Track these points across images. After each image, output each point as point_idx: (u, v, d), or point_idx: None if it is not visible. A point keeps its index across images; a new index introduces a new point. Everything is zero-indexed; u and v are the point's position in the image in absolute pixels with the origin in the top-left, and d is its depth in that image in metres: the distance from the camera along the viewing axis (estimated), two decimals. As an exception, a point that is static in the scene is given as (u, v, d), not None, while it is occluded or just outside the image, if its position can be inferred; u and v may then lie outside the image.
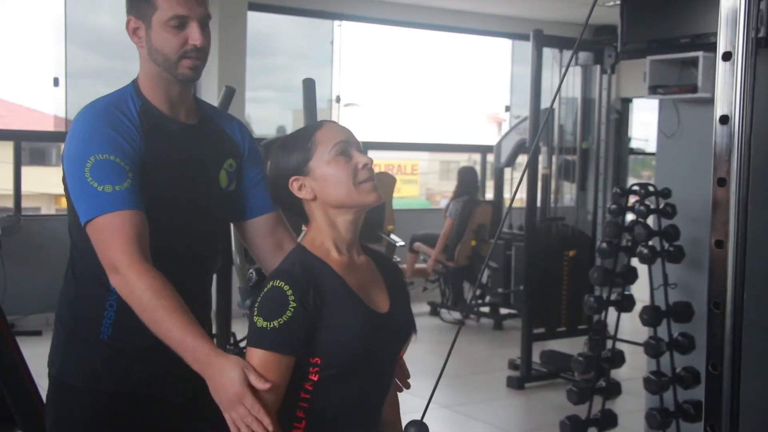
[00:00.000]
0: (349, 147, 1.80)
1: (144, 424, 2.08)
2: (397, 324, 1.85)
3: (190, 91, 2.10)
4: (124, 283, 1.84)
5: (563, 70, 6.55)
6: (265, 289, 1.73)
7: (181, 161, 2.03)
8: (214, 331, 5.83)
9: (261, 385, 1.66)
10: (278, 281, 1.71)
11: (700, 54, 3.84)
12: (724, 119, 1.67)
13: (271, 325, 1.68)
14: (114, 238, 1.86)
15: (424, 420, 1.82)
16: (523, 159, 8.43)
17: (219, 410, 1.96)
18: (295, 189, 1.81)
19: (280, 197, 1.86)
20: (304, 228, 1.89)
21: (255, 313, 1.70)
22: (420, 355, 6.64)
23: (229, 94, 3.42)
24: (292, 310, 1.68)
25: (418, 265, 8.46)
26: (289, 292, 1.69)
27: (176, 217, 2.03)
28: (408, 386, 2.05)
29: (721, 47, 1.66)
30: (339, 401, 1.76)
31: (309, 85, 2.99)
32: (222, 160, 2.12)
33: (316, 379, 1.74)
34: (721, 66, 1.66)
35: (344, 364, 1.74)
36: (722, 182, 1.67)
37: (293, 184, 1.80)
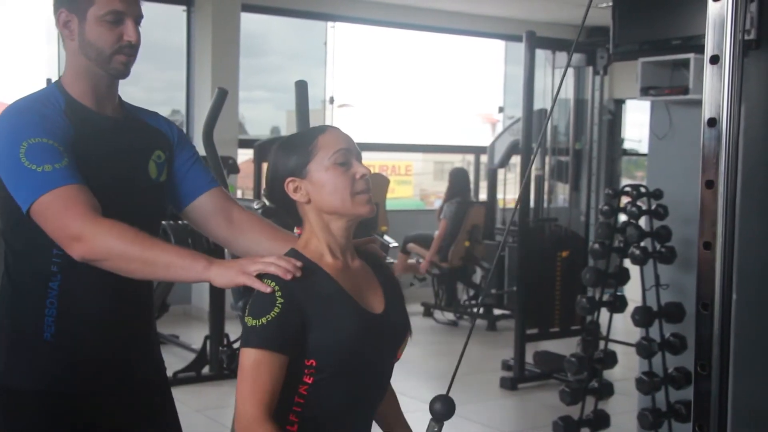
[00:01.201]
0: (349, 155, 1.80)
1: (95, 423, 2.05)
2: (392, 325, 1.84)
3: (116, 88, 2.10)
4: (90, 245, 1.81)
5: (562, 72, 6.57)
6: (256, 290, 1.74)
7: (108, 154, 2.01)
8: (207, 331, 5.86)
9: (263, 287, 1.68)
10: (266, 280, 1.71)
11: (691, 56, 3.85)
12: (712, 122, 1.68)
13: (260, 323, 1.68)
14: (68, 208, 1.82)
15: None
16: (516, 160, 8.44)
17: (165, 407, 1.95)
18: (290, 190, 1.81)
19: (275, 196, 1.86)
20: (296, 230, 1.89)
21: (246, 314, 1.71)
22: (413, 357, 6.65)
23: (222, 95, 3.43)
24: (279, 306, 1.68)
25: (409, 261, 8.46)
26: (277, 290, 1.69)
27: (109, 209, 1.94)
28: None
29: (709, 50, 1.67)
30: (333, 405, 1.76)
31: (301, 88, 3.00)
32: (149, 152, 2.10)
33: (311, 381, 1.73)
34: (708, 69, 1.67)
35: (339, 365, 1.74)
36: (710, 184, 1.68)
37: (289, 185, 1.80)
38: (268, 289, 1.68)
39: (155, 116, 2.22)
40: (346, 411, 1.78)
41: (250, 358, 1.69)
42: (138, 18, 2.01)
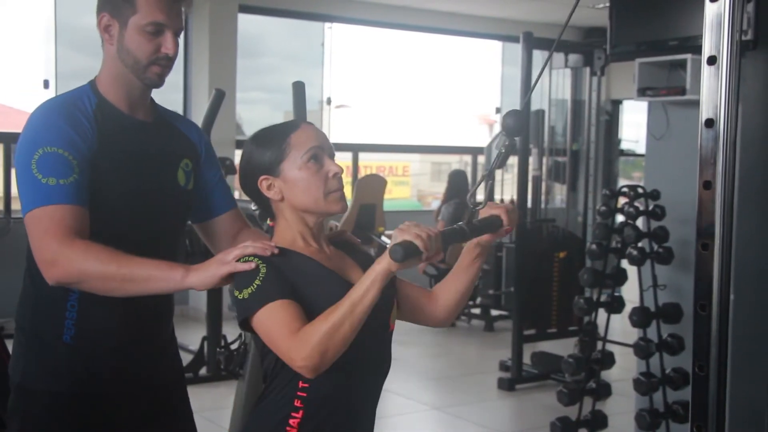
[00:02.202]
0: (322, 153, 1.82)
1: (112, 425, 2.07)
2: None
3: (150, 93, 2.11)
4: (65, 268, 1.81)
5: (554, 74, 6.61)
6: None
7: (136, 157, 2.02)
8: (204, 333, 5.86)
9: (243, 265, 1.70)
10: (244, 259, 1.72)
11: (688, 56, 3.86)
12: (710, 123, 1.67)
13: (252, 288, 1.69)
14: (50, 229, 1.83)
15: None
16: (513, 161, 8.44)
17: (178, 411, 1.96)
18: (264, 188, 1.82)
19: (248, 190, 1.87)
20: (268, 222, 1.90)
21: (235, 294, 1.71)
22: (410, 357, 6.66)
23: (219, 96, 3.43)
24: (264, 269, 1.70)
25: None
26: (258, 261, 1.71)
27: (135, 212, 2.01)
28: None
29: (706, 51, 1.66)
30: (338, 383, 1.76)
31: (299, 89, 3.00)
32: (179, 159, 2.12)
33: None
34: (706, 70, 1.67)
35: None
36: (708, 185, 1.68)
37: (262, 183, 1.82)
38: (253, 265, 1.69)
39: (187, 123, 2.24)
40: (351, 387, 1.78)
41: (262, 318, 1.68)
42: (178, 31, 2.02)
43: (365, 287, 1.65)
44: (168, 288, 1.80)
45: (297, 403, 1.75)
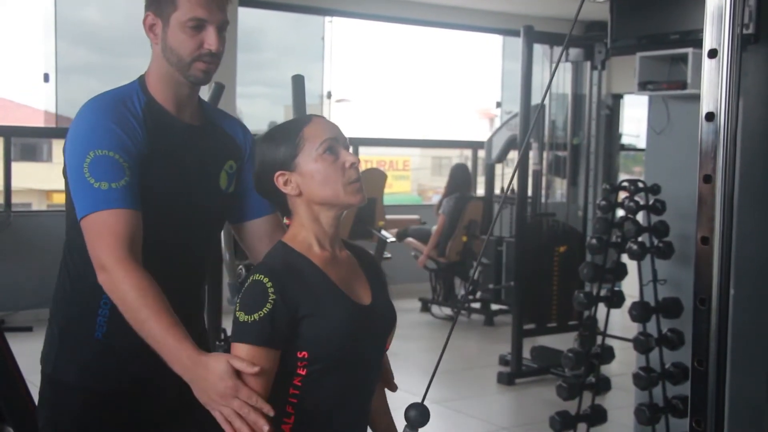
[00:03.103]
0: (336, 144, 1.80)
1: (136, 421, 2.09)
2: (380, 316, 1.86)
3: (197, 94, 2.10)
4: (110, 281, 1.84)
5: (553, 67, 6.58)
6: (247, 284, 1.74)
7: (182, 160, 2.03)
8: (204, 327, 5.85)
9: (250, 369, 1.66)
10: (258, 275, 1.72)
11: (689, 50, 3.84)
12: (710, 116, 1.67)
13: (252, 319, 1.69)
14: (104, 236, 1.86)
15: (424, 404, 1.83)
16: (514, 155, 8.44)
17: (206, 412, 1.96)
18: (281, 184, 1.81)
19: (263, 189, 1.86)
20: (285, 221, 1.90)
21: (237, 308, 1.71)
22: (411, 352, 6.66)
23: (219, 90, 3.41)
24: (272, 302, 1.69)
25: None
26: (269, 284, 1.70)
27: (175, 215, 2.03)
28: (394, 388, 2.05)
29: (707, 44, 1.66)
30: (328, 396, 1.77)
31: (298, 82, 2.99)
32: (223, 162, 2.12)
33: (304, 373, 1.74)
34: (707, 63, 1.67)
35: (331, 357, 1.75)
36: (708, 179, 1.67)
37: (279, 179, 1.80)
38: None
39: (234, 123, 2.23)
40: (341, 401, 1.78)
41: (243, 353, 1.70)
42: (222, 24, 2.00)
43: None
44: (167, 360, 1.79)
45: (288, 409, 1.75)
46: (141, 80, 2.05)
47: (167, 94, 2.03)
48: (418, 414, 1.80)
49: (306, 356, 1.73)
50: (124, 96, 2.00)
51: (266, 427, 1.65)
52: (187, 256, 2.09)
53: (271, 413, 1.66)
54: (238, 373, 1.67)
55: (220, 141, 2.14)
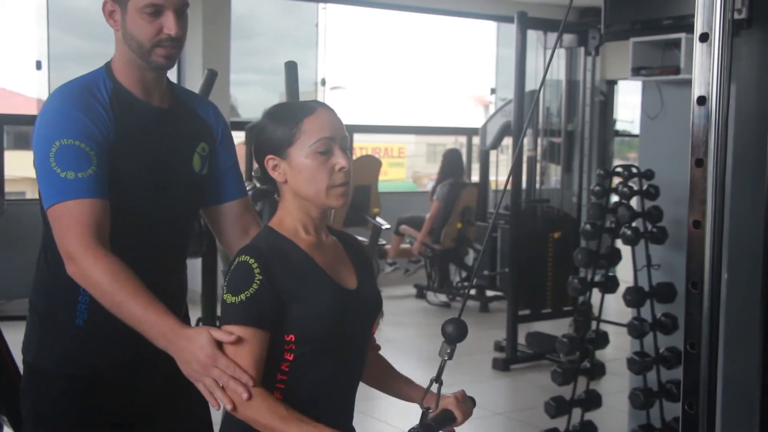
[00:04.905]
0: (332, 144, 1.79)
1: (120, 407, 2.09)
2: (365, 300, 1.87)
3: (164, 76, 2.09)
4: (80, 270, 1.85)
5: (548, 54, 6.57)
6: (233, 266, 1.74)
7: (152, 144, 2.03)
8: (199, 314, 5.86)
9: (229, 338, 1.69)
10: (244, 256, 1.73)
11: (682, 35, 3.84)
12: (702, 100, 1.67)
13: (239, 299, 1.70)
14: (71, 225, 1.86)
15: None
16: (508, 141, 8.43)
17: (192, 395, 1.97)
18: (270, 167, 1.81)
19: (258, 162, 1.87)
20: (276, 197, 1.90)
21: (225, 291, 1.72)
22: (407, 338, 6.69)
23: (211, 77, 3.40)
24: (258, 283, 1.69)
25: (402, 245, 8.47)
26: (255, 266, 1.70)
27: (148, 199, 2.03)
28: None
29: (699, 28, 1.66)
30: (315, 381, 1.78)
31: (291, 68, 2.97)
32: (195, 144, 2.11)
33: (291, 358, 1.75)
34: (698, 47, 1.67)
35: (318, 340, 1.75)
36: (699, 163, 1.67)
37: (269, 162, 1.81)
38: (227, 404, 1.70)
39: (206, 104, 2.22)
40: (328, 386, 1.79)
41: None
42: (181, 7, 1.98)
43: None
44: (150, 336, 1.81)
45: (276, 395, 1.75)
46: (107, 66, 2.04)
47: (133, 79, 2.02)
48: (455, 328, 1.81)
49: (293, 339, 1.74)
50: (90, 83, 1.99)
51: (245, 395, 1.67)
52: (163, 241, 2.09)
53: (251, 383, 1.68)
54: (220, 346, 1.70)
55: (192, 123, 2.13)
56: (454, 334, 1.81)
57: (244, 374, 1.68)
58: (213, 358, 1.69)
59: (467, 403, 1.91)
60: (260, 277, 1.70)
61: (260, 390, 1.69)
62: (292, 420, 1.67)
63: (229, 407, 1.69)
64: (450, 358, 1.82)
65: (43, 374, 2.07)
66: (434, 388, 1.85)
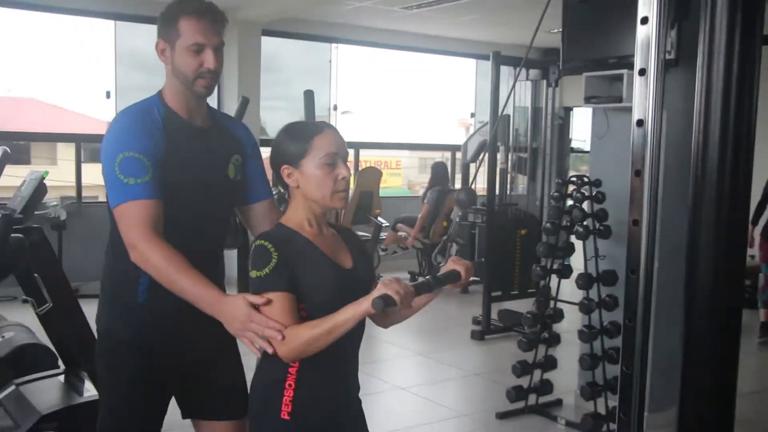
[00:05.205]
0: (337, 158, 1.80)
1: (175, 371, 2.09)
2: (359, 277, 1.87)
3: (205, 102, 2.10)
4: (141, 256, 1.87)
5: (517, 85, 6.58)
6: (252, 250, 1.75)
7: (196, 157, 2.03)
8: (235, 293, 5.86)
9: (260, 300, 1.71)
10: (260, 241, 1.74)
11: (624, 71, 3.84)
12: (640, 123, 1.67)
13: (264, 273, 1.71)
14: (133, 221, 1.88)
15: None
16: (485, 156, 8.40)
17: (233, 356, 1.97)
18: (284, 175, 1.82)
19: (273, 169, 1.87)
20: (287, 197, 1.91)
21: (250, 269, 1.73)
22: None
23: (245, 103, 3.39)
24: (275, 257, 1.71)
25: (400, 233, 8.44)
26: (270, 247, 1.72)
27: (194, 201, 2.02)
28: None
29: (637, 65, 1.66)
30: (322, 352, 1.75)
31: (309, 96, 2.97)
32: (230, 156, 2.11)
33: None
34: (637, 80, 1.67)
35: (322, 309, 1.74)
36: (638, 173, 1.68)
37: (284, 171, 1.82)
38: (268, 348, 1.73)
39: (237, 124, 2.22)
40: (335, 347, 1.76)
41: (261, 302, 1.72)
42: (218, 46, 1.99)
43: (346, 318, 1.68)
44: (200, 305, 1.83)
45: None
46: (159, 94, 2.05)
47: (180, 104, 2.03)
48: (466, 193, 1.80)
49: (303, 307, 1.75)
50: (147, 107, 2.00)
51: (279, 337, 1.69)
52: (206, 236, 2.09)
53: (282, 328, 1.70)
54: (254, 308, 1.72)
55: (227, 140, 2.13)
56: (467, 200, 1.80)
57: (276, 323, 1.70)
58: (249, 316, 1.72)
59: (471, 270, 1.86)
60: (276, 254, 1.71)
61: (290, 328, 1.71)
62: (323, 321, 1.69)
63: (270, 350, 1.71)
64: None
65: (111, 341, 2.07)
66: (453, 251, 1.84)
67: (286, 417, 1.75)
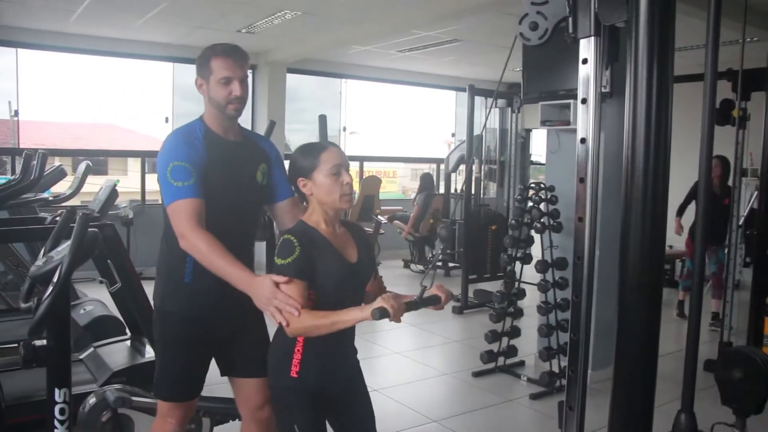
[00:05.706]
0: (340, 168, 1.81)
1: (215, 335, 2.09)
2: (362, 270, 1.87)
3: (236, 122, 2.10)
4: (189, 243, 1.86)
5: (487, 111, 6.61)
6: (280, 242, 1.76)
7: (231, 166, 2.03)
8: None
9: (282, 279, 1.72)
10: (287, 235, 1.75)
11: (571, 101, 3.85)
12: (583, 140, 1.68)
13: (287, 261, 1.71)
14: (182, 215, 1.88)
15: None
16: (462, 167, 8.40)
17: (260, 324, 1.95)
18: (300, 186, 1.83)
19: (292, 181, 1.87)
20: (304, 203, 1.92)
21: (276, 258, 1.73)
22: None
23: (272, 125, 3.37)
24: (298, 250, 1.72)
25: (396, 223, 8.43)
26: (295, 241, 1.73)
27: (230, 202, 2.02)
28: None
29: (580, 96, 1.67)
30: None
31: (322, 120, 2.96)
32: (257, 165, 2.11)
33: (310, 306, 1.76)
34: (580, 108, 1.68)
35: (329, 295, 1.75)
36: (582, 180, 1.68)
37: (300, 183, 1.83)
38: (283, 321, 1.71)
39: (264, 140, 2.22)
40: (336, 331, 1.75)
41: (284, 286, 1.72)
42: (244, 78, 2.01)
43: (348, 319, 1.68)
44: (235, 283, 1.82)
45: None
46: (201, 118, 2.06)
47: (217, 125, 2.04)
48: (447, 230, 1.81)
49: (313, 294, 1.75)
50: (191, 128, 2.02)
51: (296, 313, 1.69)
52: (239, 229, 2.08)
53: (299, 306, 1.70)
54: (277, 286, 1.72)
55: (255, 152, 2.13)
56: (446, 236, 1.81)
57: (295, 302, 1.70)
58: (274, 293, 1.72)
59: (448, 297, 1.88)
60: (299, 247, 1.71)
61: (305, 310, 1.71)
62: (329, 314, 1.69)
63: (284, 323, 1.71)
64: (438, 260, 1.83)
65: (165, 313, 2.07)
66: (428, 276, 1.87)
67: (295, 375, 1.77)
